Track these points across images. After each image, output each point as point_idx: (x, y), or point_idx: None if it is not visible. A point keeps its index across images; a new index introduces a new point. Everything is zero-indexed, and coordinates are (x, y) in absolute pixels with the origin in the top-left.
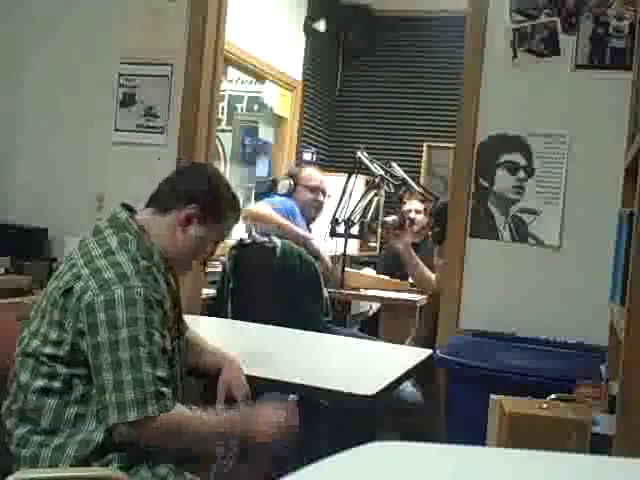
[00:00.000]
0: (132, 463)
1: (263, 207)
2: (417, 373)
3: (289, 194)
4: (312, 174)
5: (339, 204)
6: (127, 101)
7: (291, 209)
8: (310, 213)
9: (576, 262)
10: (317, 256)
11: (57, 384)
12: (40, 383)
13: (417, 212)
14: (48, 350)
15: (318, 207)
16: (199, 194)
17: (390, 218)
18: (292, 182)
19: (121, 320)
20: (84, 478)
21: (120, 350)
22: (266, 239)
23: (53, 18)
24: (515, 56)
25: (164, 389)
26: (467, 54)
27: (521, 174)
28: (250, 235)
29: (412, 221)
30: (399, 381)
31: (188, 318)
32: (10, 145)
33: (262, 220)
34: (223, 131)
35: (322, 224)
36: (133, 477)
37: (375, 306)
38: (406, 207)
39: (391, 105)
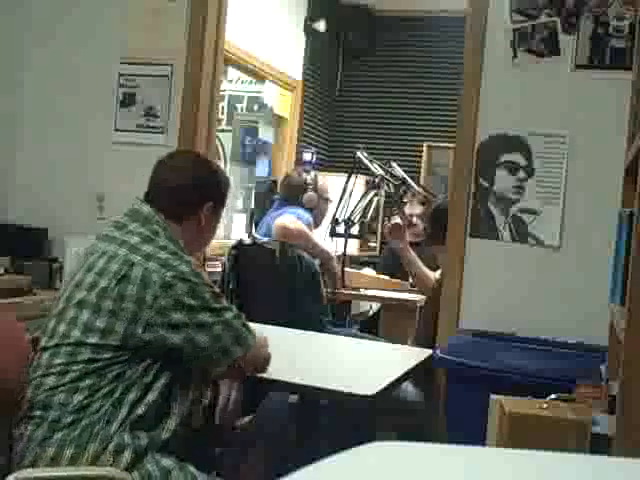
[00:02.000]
0: (142, 455)
1: (296, 222)
2: (417, 373)
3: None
4: (326, 184)
5: (339, 204)
6: (127, 101)
7: (311, 222)
8: (321, 223)
9: (576, 262)
10: (331, 275)
11: (94, 368)
12: (73, 375)
13: (418, 217)
14: (92, 339)
15: (325, 216)
16: (208, 194)
17: (393, 221)
18: (317, 195)
19: (197, 285)
20: (85, 477)
21: (210, 302)
22: (266, 239)
23: (53, 18)
24: (515, 56)
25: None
26: (467, 54)
27: (521, 174)
28: (250, 235)
29: (411, 223)
30: (399, 381)
31: None
32: (10, 145)
33: (297, 238)
34: (223, 131)
35: (322, 224)
36: (139, 471)
37: (375, 306)
38: (407, 212)
39: (391, 105)
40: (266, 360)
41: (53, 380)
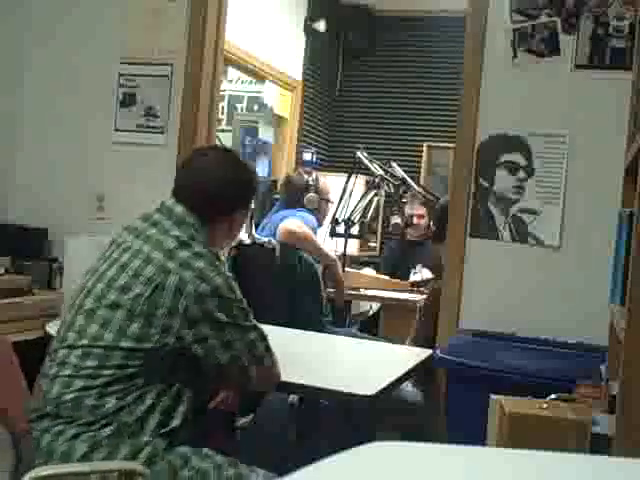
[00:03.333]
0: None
1: (302, 227)
2: (417, 373)
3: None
4: (327, 185)
5: (339, 204)
6: (127, 101)
7: (315, 225)
8: (323, 223)
9: (576, 262)
10: (335, 280)
11: (124, 375)
12: (104, 379)
13: (419, 217)
14: (126, 344)
15: (327, 217)
16: (242, 197)
17: (393, 221)
18: (318, 196)
19: (229, 301)
20: (104, 471)
21: (239, 319)
22: (266, 239)
23: (53, 18)
24: (515, 56)
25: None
26: (467, 54)
27: (521, 174)
28: (250, 235)
29: (411, 223)
30: (399, 381)
31: None
32: (10, 145)
33: (303, 243)
34: (223, 131)
35: (323, 225)
36: (161, 463)
37: (375, 306)
38: (408, 211)
39: (391, 105)
40: (277, 380)
41: (83, 382)
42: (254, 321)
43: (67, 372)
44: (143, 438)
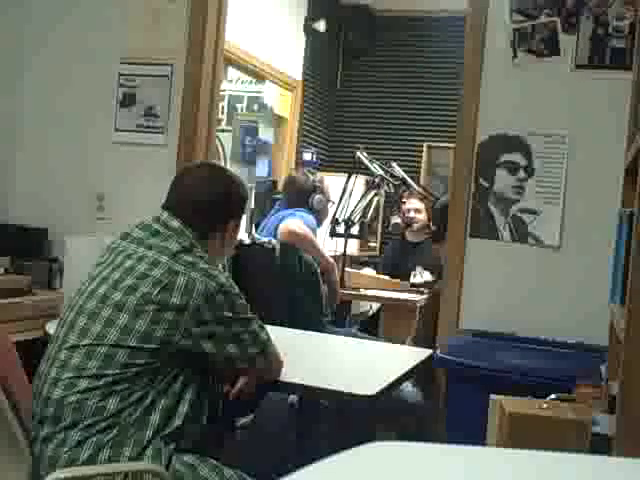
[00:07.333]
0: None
1: (303, 227)
2: (417, 373)
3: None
4: (328, 185)
5: (339, 204)
6: (127, 101)
7: (315, 225)
8: (323, 223)
9: (576, 262)
10: (330, 285)
11: (129, 374)
12: (108, 379)
13: (417, 211)
14: (131, 342)
15: (327, 217)
16: (235, 211)
17: (393, 221)
18: (325, 197)
19: (234, 296)
20: (121, 472)
21: (242, 313)
22: (266, 239)
23: (53, 18)
24: (515, 56)
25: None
26: (467, 54)
27: (521, 174)
28: (250, 235)
29: (411, 220)
30: (399, 381)
31: None
32: (10, 145)
33: (303, 244)
34: (223, 131)
35: (322, 224)
36: (169, 471)
37: (375, 306)
38: (405, 206)
39: (391, 105)
40: (282, 366)
41: (87, 383)
42: (251, 313)
43: (69, 374)
44: (145, 437)
